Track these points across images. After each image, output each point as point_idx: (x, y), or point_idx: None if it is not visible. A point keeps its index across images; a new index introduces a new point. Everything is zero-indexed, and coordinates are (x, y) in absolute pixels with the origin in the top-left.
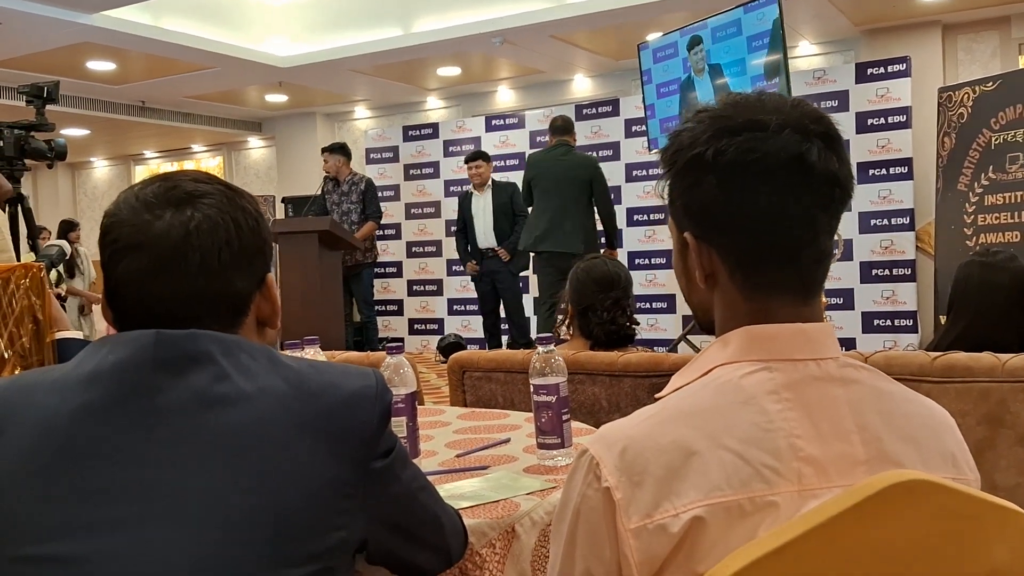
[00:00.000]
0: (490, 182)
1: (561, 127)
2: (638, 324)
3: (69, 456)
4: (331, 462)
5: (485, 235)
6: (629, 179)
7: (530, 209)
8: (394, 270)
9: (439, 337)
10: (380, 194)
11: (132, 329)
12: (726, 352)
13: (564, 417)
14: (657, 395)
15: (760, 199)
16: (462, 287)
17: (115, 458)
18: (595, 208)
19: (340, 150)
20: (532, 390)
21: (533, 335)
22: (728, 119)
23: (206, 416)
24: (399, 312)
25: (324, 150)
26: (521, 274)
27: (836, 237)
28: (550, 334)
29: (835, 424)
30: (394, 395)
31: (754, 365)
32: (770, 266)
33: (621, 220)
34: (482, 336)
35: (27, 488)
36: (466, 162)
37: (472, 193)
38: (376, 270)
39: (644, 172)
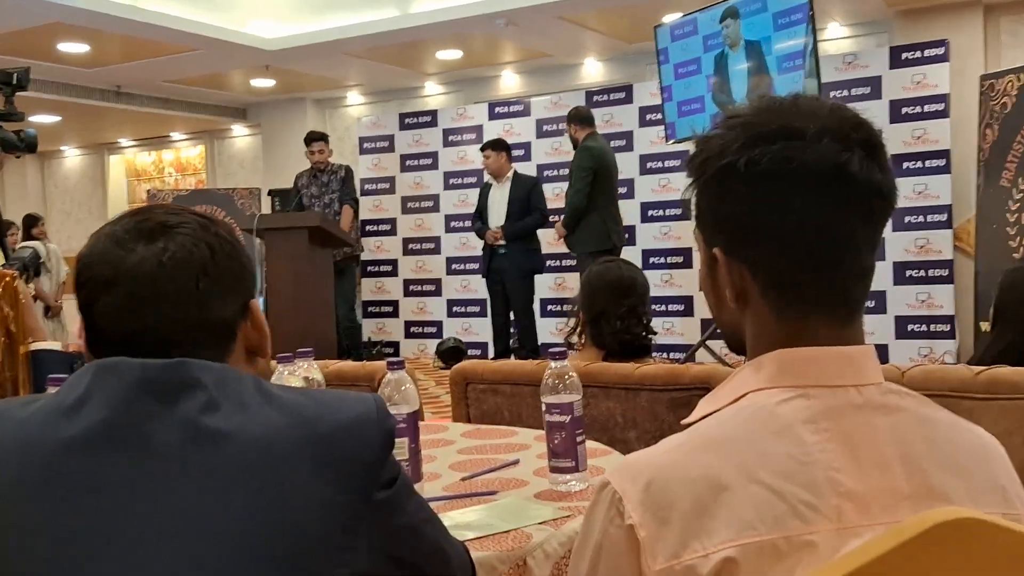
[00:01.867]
0: (511, 174)
1: (589, 116)
2: (655, 334)
3: (53, 492)
4: (331, 494)
5: (497, 227)
6: (644, 171)
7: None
8: (388, 268)
9: (437, 341)
10: (374, 187)
11: None
12: (759, 377)
13: (579, 438)
14: (684, 422)
15: (796, 212)
16: (462, 287)
17: (103, 493)
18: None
19: (325, 139)
20: (544, 409)
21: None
22: (761, 126)
23: (199, 448)
24: (394, 314)
25: (313, 139)
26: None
27: None
28: (563, 347)
29: (877, 456)
30: (395, 415)
31: (790, 391)
32: (807, 284)
33: (635, 215)
34: (484, 340)
35: (8, 525)
36: (481, 151)
37: (491, 184)
38: (369, 268)
39: (659, 164)
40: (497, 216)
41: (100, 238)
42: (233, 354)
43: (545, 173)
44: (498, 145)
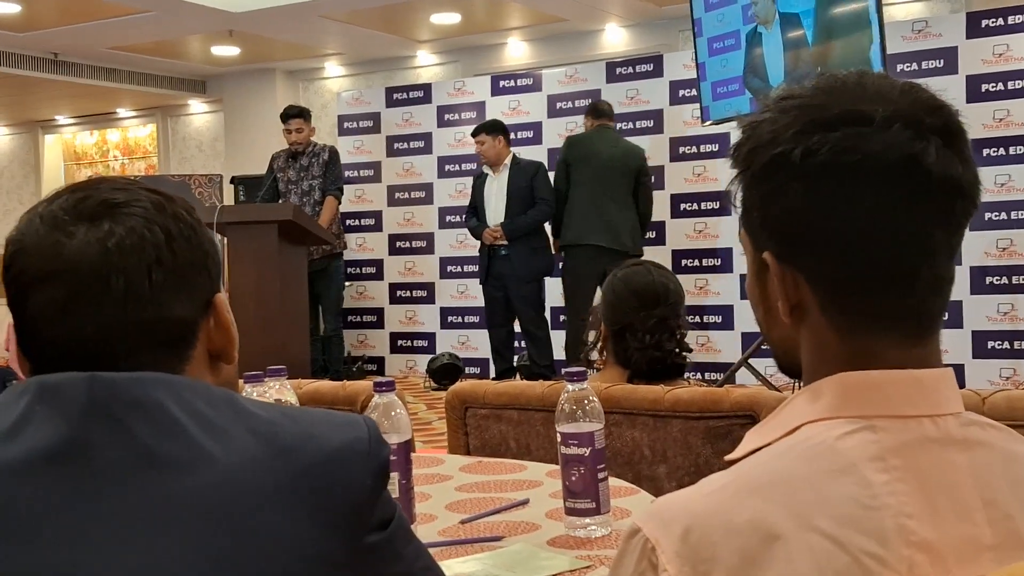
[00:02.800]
0: (508, 161)
1: (607, 111)
2: (690, 351)
3: None
4: (314, 536)
5: (494, 224)
6: (675, 157)
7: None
8: (372, 270)
9: (429, 357)
10: (356, 174)
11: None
12: (817, 406)
13: (600, 475)
14: (728, 458)
15: (861, 212)
16: (459, 293)
17: (41, 532)
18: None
19: (305, 115)
20: (559, 439)
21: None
22: (820, 109)
23: (156, 479)
24: (378, 324)
25: (291, 116)
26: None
27: None
28: (582, 368)
29: (955, 499)
30: None
31: (853, 423)
32: (874, 296)
33: (664, 209)
34: (484, 356)
35: None
36: (472, 137)
37: (486, 173)
38: (349, 270)
39: (694, 148)
40: (495, 211)
41: (33, 219)
42: (194, 360)
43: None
44: (493, 128)
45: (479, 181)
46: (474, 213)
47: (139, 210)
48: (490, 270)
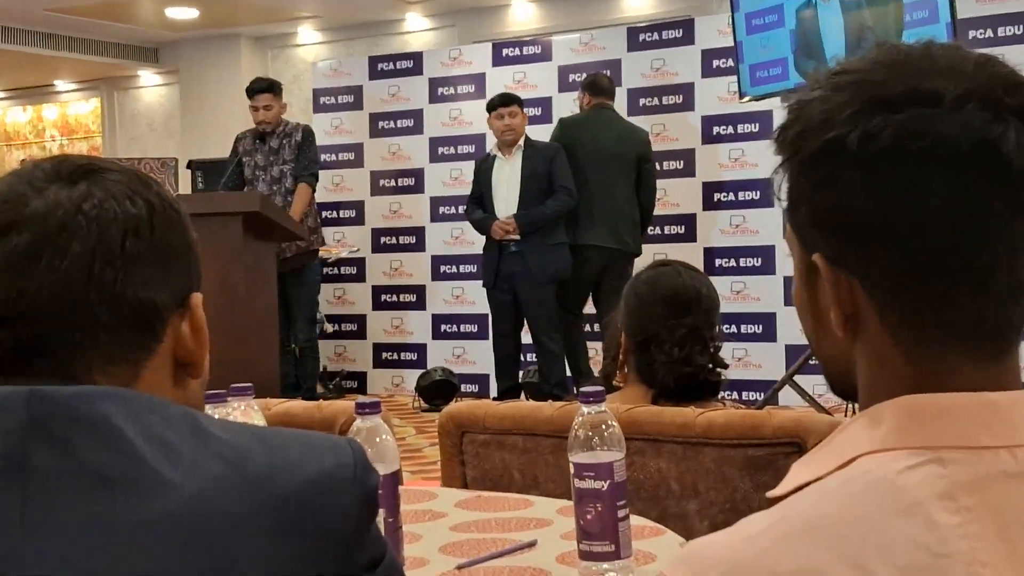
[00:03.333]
0: (522, 142)
1: (607, 88)
2: (726, 367)
3: None
4: (296, 574)
5: (506, 216)
6: (708, 138)
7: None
8: (353, 270)
9: (419, 372)
10: (335, 157)
11: None
12: (876, 434)
13: (620, 512)
14: (770, 494)
15: (928, 206)
16: (454, 297)
17: None
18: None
19: (275, 89)
20: (572, 471)
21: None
22: (881, 86)
23: (105, 510)
24: (359, 333)
25: (259, 90)
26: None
27: None
28: (599, 386)
29: None
30: None
31: (918, 455)
32: (943, 304)
33: (695, 199)
34: (484, 372)
35: None
36: (491, 109)
37: (495, 156)
38: (326, 270)
39: (729, 128)
40: (506, 201)
41: (5, 178)
42: (157, 358)
43: None
44: (521, 101)
45: (485, 165)
46: (479, 203)
47: (122, 178)
48: (499, 271)
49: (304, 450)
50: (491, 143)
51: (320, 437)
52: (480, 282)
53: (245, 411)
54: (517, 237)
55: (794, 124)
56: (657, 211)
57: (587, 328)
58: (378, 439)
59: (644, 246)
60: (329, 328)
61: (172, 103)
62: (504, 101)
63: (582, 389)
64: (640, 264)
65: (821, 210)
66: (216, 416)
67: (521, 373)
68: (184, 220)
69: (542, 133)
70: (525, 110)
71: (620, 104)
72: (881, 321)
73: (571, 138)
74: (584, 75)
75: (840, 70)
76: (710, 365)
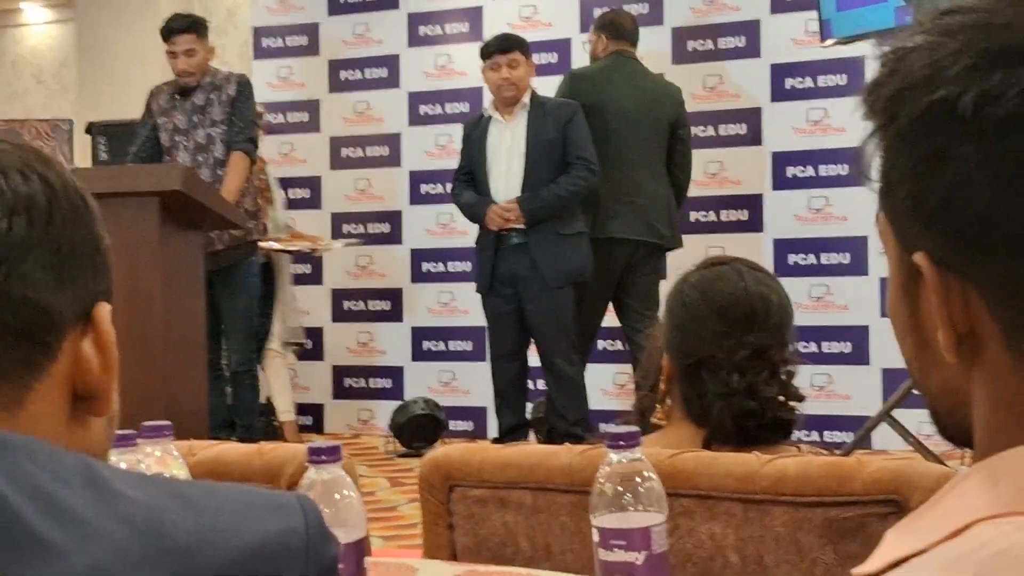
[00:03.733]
0: (527, 99)
1: (630, 31)
2: (801, 399)
3: None
4: None
5: (506, 199)
6: (779, 95)
7: None
8: (306, 269)
9: (394, 405)
10: (283, 118)
11: None
12: (998, 493)
13: None
14: (858, 571)
15: None
16: (441, 305)
17: None
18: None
19: (198, 29)
20: (597, 538)
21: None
22: (1004, 31)
23: None
24: (314, 353)
25: (175, 31)
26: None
27: None
28: (633, 426)
29: None
30: None
31: None
32: None
33: (762, 175)
34: (480, 404)
35: None
36: (485, 56)
37: (490, 118)
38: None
39: (808, 81)
40: (505, 178)
41: None
42: (46, 385)
43: None
44: (527, 46)
45: (477, 131)
46: (469, 181)
47: (11, 149)
48: (496, 271)
49: (240, 512)
50: (487, 101)
51: (261, 495)
52: (475, 284)
53: (161, 458)
54: (521, 226)
55: (889, 81)
56: (712, 191)
57: (607, 344)
58: (338, 495)
59: (694, 237)
60: (308, 344)
61: (65, 47)
62: (502, 46)
63: (610, 428)
64: (686, 261)
65: (925, 195)
66: (123, 465)
67: (530, 407)
68: (92, 213)
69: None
70: (533, 57)
71: (663, 48)
72: (1006, 342)
73: (586, 97)
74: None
75: (951, 8)
76: (780, 397)
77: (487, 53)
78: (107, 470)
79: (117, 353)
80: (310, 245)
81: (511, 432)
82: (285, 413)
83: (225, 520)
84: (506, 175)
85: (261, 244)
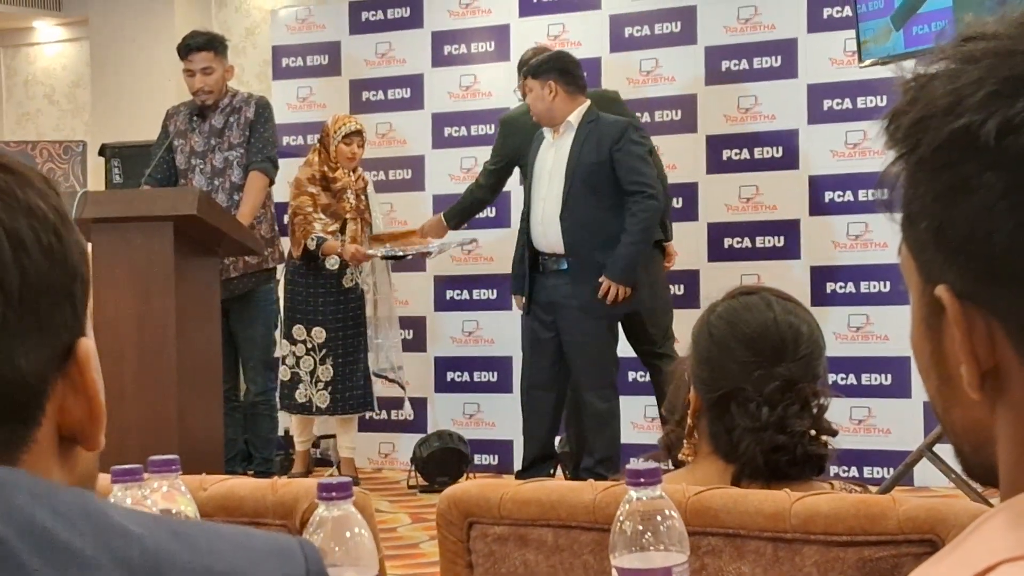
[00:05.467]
0: (573, 118)
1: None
2: (834, 433)
3: None
4: None
5: (544, 223)
6: (816, 116)
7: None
8: None
9: (416, 437)
10: (301, 140)
11: None
12: (1020, 535)
13: None
14: None
15: None
16: (465, 334)
17: None
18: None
19: (216, 47)
20: None
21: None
22: None
23: None
24: None
25: (193, 49)
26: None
27: None
28: (653, 463)
29: None
30: None
31: None
32: None
33: (799, 200)
34: (506, 437)
35: None
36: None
37: (547, 136)
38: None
39: (846, 103)
40: (545, 201)
41: None
42: (36, 446)
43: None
44: (543, 69)
45: (535, 145)
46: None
47: None
48: (535, 295)
49: (239, 555)
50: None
51: (263, 537)
52: (501, 313)
53: (168, 493)
54: (612, 294)
55: (910, 108)
56: (747, 216)
57: (638, 376)
58: (348, 533)
59: (727, 265)
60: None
61: (79, 66)
62: (531, 71)
63: (630, 465)
64: (719, 290)
65: (947, 226)
66: (128, 501)
67: (557, 440)
68: (66, 236)
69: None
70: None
71: (696, 68)
72: None
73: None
74: (644, 28)
75: (972, 34)
76: (812, 432)
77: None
78: (105, 507)
79: (103, 400)
80: (418, 247)
81: (534, 466)
82: (347, 449)
83: (223, 563)
84: (545, 199)
85: (368, 252)
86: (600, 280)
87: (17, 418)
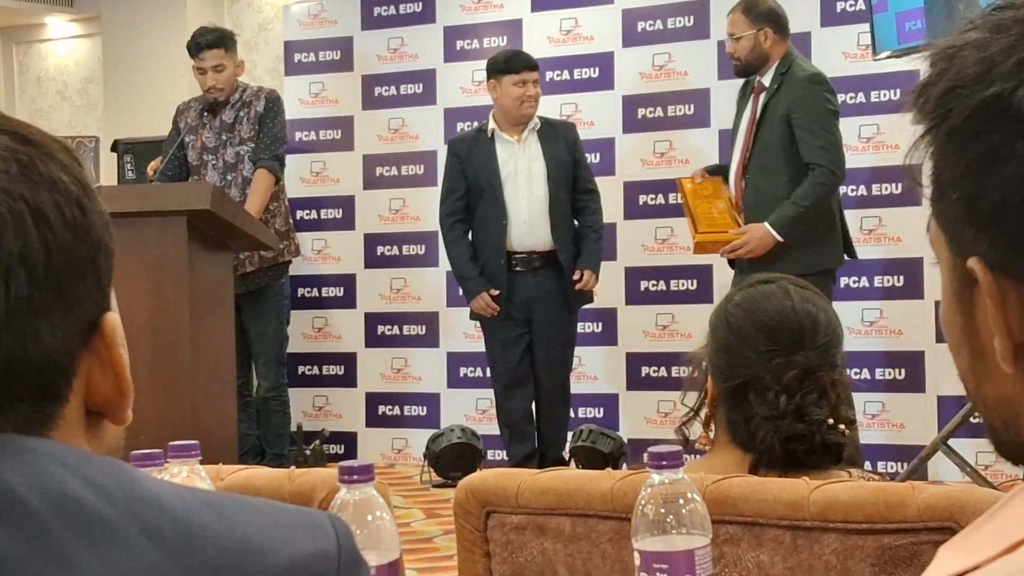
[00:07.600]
0: (534, 122)
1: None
2: (852, 422)
3: None
4: None
5: (531, 223)
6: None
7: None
8: (338, 292)
9: (430, 433)
10: (314, 136)
11: None
12: None
13: None
14: None
15: None
16: (477, 330)
17: None
18: None
19: (227, 43)
20: (638, 563)
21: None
22: None
23: None
24: (347, 379)
25: (204, 46)
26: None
27: None
28: (676, 447)
29: None
30: None
31: None
32: None
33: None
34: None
35: None
36: (513, 70)
37: (492, 137)
38: (302, 291)
39: (859, 97)
40: (529, 201)
41: None
42: (64, 423)
43: (641, 113)
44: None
45: (480, 151)
46: (465, 219)
47: None
48: (513, 294)
49: (272, 529)
50: (496, 122)
51: (294, 512)
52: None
53: (188, 477)
54: (592, 284)
55: (939, 80)
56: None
57: (651, 371)
58: (370, 517)
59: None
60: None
61: (92, 62)
62: (530, 64)
63: (652, 449)
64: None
65: (979, 196)
66: None
67: (570, 436)
68: (89, 207)
69: (602, 102)
70: (575, 72)
71: (709, 62)
72: None
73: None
74: (658, 22)
75: (1003, 4)
76: (830, 421)
77: (515, 68)
78: (138, 474)
79: (130, 377)
80: None
81: (525, 462)
82: None
83: (257, 536)
84: (528, 199)
85: None
86: (577, 273)
87: (44, 396)
